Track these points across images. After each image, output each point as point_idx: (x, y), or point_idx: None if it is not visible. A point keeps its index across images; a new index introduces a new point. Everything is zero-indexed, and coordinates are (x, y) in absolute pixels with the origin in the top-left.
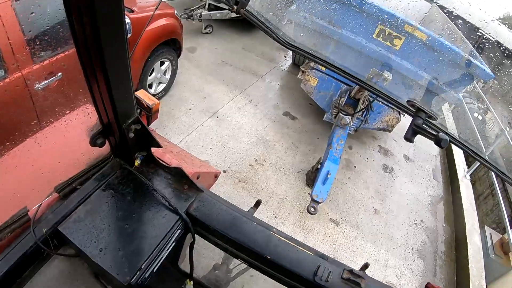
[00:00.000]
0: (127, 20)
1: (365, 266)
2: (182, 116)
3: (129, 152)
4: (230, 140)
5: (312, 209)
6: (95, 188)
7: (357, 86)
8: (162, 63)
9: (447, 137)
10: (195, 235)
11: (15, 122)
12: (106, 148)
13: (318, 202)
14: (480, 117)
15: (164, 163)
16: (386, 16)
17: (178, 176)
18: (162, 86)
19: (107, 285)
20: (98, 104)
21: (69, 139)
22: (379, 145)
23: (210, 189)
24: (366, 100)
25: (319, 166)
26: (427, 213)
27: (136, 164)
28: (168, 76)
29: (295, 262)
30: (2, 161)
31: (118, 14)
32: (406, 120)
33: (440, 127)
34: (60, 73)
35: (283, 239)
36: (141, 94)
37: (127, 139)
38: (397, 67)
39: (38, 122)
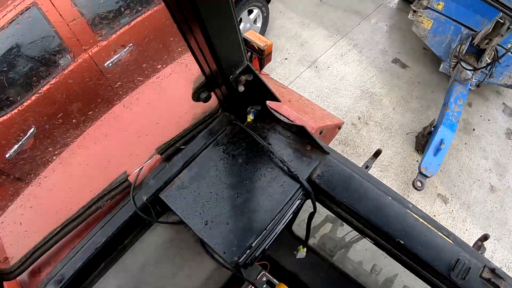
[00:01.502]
0: None
1: (484, 237)
2: (278, 68)
3: (240, 106)
4: (331, 94)
5: (418, 183)
6: (201, 148)
7: (482, 31)
8: (250, 12)
9: None
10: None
11: (94, 95)
12: (213, 101)
13: (426, 176)
14: None
15: (282, 117)
16: None
17: (300, 134)
18: None
19: (213, 254)
20: (197, 54)
21: (167, 96)
22: (504, 103)
23: (331, 142)
24: (493, 51)
25: (432, 129)
26: None
27: (249, 120)
28: (259, 24)
29: (431, 251)
30: (90, 132)
31: None
32: None
33: None
34: (130, 44)
35: (420, 220)
36: (251, 35)
37: (237, 93)
38: None
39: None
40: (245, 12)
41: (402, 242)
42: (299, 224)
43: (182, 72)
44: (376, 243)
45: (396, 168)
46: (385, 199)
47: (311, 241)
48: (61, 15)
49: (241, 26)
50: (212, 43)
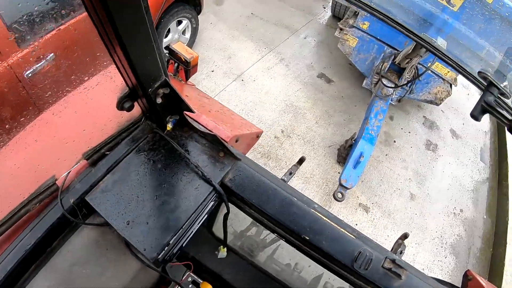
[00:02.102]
0: None
1: (404, 236)
2: (204, 80)
3: (160, 116)
4: (256, 107)
5: (339, 195)
6: (125, 154)
7: (403, 51)
8: (179, 22)
9: None
10: (231, 205)
11: (19, 103)
12: (137, 110)
13: (346, 188)
14: None
15: (200, 126)
16: None
17: (214, 142)
18: None
19: (137, 254)
20: (119, 68)
21: (93, 105)
22: (424, 116)
23: (250, 150)
24: (414, 69)
25: (353, 142)
26: (468, 201)
27: (168, 128)
28: (188, 35)
29: (335, 245)
30: (20, 137)
31: None
32: (458, 94)
33: None
34: (52, 54)
35: (324, 218)
36: (178, 47)
37: (155, 104)
38: (455, 33)
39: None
40: (174, 23)
41: (307, 238)
42: (221, 226)
43: (107, 84)
44: (287, 240)
45: (318, 179)
46: (291, 200)
47: (236, 243)
48: None
49: (169, 36)
50: (131, 60)
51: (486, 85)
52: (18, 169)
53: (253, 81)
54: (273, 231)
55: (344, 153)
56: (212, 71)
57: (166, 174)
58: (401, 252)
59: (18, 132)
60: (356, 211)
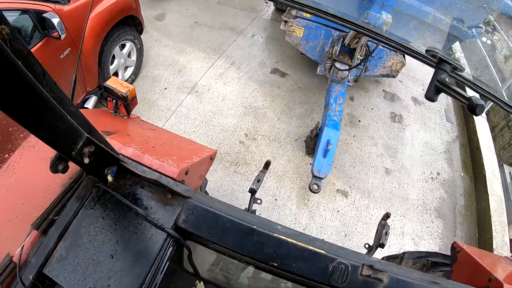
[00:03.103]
0: (55, 20)
1: (387, 216)
2: (158, 99)
3: (97, 171)
4: (215, 116)
5: (315, 186)
6: (73, 215)
7: (351, 32)
8: (123, 46)
9: (482, 102)
10: (193, 243)
11: None
12: (76, 166)
13: (320, 178)
14: (489, 42)
15: (143, 167)
16: None
17: (158, 184)
18: (130, 70)
19: None
20: (36, 136)
21: (24, 177)
22: (384, 90)
23: (207, 172)
24: (364, 47)
25: (318, 131)
26: (443, 163)
27: (110, 180)
28: (134, 57)
29: (306, 265)
30: None
31: None
32: (412, 62)
33: (469, 80)
34: None
35: (290, 240)
36: (112, 83)
37: (85, 165)
38: (398, 5)
39: None
40: (117, 48)
41: (276, 264)
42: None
43: (31, 154)
44: (257, 268)
45: (291, 175)
46: (250, 228)
47: (213, 271)
48: None
49: (115, 63)
50: (40, 134)
51: (437, 62)
52: None
53: (207, 90)
54: (240, 261)
55: (312, 144)
56: (165, 89)
57: (118, 230)
58: (386, 233)
59: None
60: (335, 198)
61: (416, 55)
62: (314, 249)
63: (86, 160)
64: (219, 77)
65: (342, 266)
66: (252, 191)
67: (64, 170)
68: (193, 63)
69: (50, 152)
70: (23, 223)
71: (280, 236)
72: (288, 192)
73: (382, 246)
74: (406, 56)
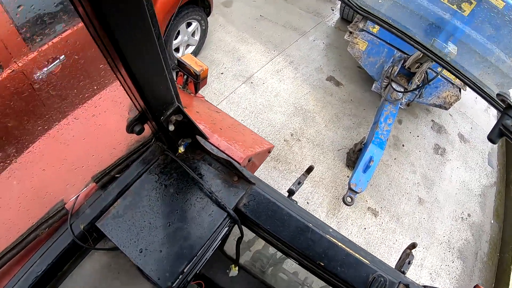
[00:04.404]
0: None
1: (413, 246)
2: (213, 82)
3: (171, 139)
4: (265, 110)
5: (348, 199)
6: (135, 177)
7: (414, 56)
8: (189, 24)
9: None
10: (244, 228)
11: (24, 119)
12: (147, 129)
13: (356, 192)
14: None
15: (212, 147)
16: None
17: (228, 166)
18: (191, 49)
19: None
20: (127, 92)
21: (101, 131)
22: (432, 120)
23: (262, 163)
24: (423, 74)
25: (362, 146)
26: (476, 205)
27: (180, 151)
28: (197, 37)
29: (349, 271)
30: (27, 163)
31: None
32: (466, 98)
33: None
34: (62, 56)
35: (339, 244)
36: (187, 59)
37: (168, 131)
38: (466, 38)
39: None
40: (184, 25)
41: (323, 264)
42: (232, 244)
43: (116, 108)
44: (300, 264)
45: (327, 183)
46: (306, 226)
47: (244, 258)
48: None
49: (179, 38)
50: (140, 87)
51: (505, 107)
52: (25, 196)
53: (262, 83)
54: (287, 255)
55: (353, 157)
56: (222, 74)
57: (179, 200)
58: (409, 263)
59: (26, 147)
60: (365, 215)
61: (484, 94)
62: (360, 258)
63: (171, 128)
64: (275, 73)
65: (382, 279)
66: (291, 192)
67: (140, 132)
68: (252, 54)
69: (129, 112)
70: (85, 174)
71: (331, 238)
72: (321, 198)
73: (402, 273)
74: (461, 91)
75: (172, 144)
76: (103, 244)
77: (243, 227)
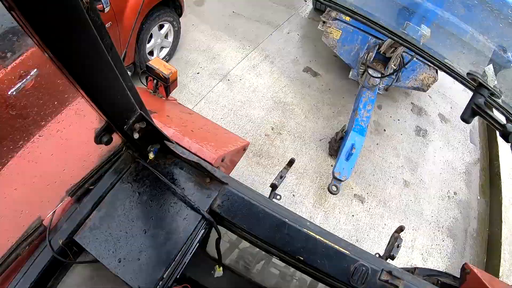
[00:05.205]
0: None
1: (400, 229)
2: (190, 83)
3: (140, 147)
4: (243, 106)
5: (334, 188)
6: (109, 187)
7: (388, 40)
8: (161, 27)
9: None
10: (222, 228)
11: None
12: (117, 138)
13: (340, 181)
14: None
15: (183, 149)
16: None
17: (199, 167)
18: (165, 51)
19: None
20: (90, 104)
21: (69, 144)
22: (412, 103)
23: (238, 161)
24: (399, 58)
25: (343, 134)
26: (461, 183)
27: (150, 158)
28: (170, 39)
29: (330, 263)
30: None
31: None
32: (444, 78)
33: (504, 108)
34: (35, 69)
35: (318, 237)
36: (155, 63)
37: (133, 139)
38: (439, 20)
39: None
40: (156, 28)
41: (302, 258)
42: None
43: (81, 122)
44: (282, 259)
45: (311, 174)
46: (282, 221)
47: (231, 258)
48: None
49: (152, 42)
50: (95, 97)
51: (476, 86)
52: (0, 217)
53: (239, 80)
54: (267, 252)
55: (336, 146)
56: (198, 73)
57: (153, 206)
58: (398, 246)
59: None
60: (352, 202)
61: (455, 75)
62: (339, 249)
63: (136, 136)
64: (252, 69)
65: (363, 268)
66: (274, 186)
67: (108, 143)
68: (227, 51)
69: (96, 123)
70: (59, 189)
71: (309, 232)
72: (307, 190)
73: (392, 258)
74: (438, 72)
75: (142, 151)
76: (84, 257)
77: (221, 227)
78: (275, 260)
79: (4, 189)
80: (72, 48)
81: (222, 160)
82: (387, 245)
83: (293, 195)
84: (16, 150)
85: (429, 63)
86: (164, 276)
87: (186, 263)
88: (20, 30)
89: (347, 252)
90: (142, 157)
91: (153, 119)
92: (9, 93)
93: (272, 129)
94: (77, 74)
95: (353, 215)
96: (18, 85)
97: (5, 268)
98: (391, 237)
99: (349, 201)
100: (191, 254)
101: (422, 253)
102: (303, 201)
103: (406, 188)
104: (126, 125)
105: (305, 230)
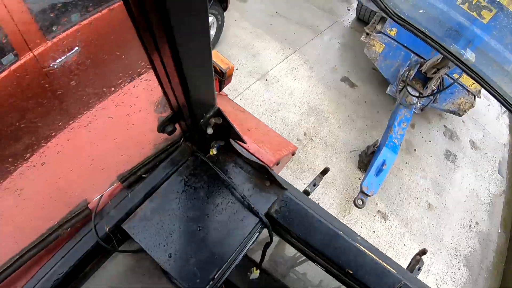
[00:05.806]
0: None
1: (423, 252)
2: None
3: (204, 141)
4: (279, 108)
5: (360, 202)
6: (163, 178)
7: (431, 61)
8: None
9: None
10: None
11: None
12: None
13: (367, 195)
14: None
15: (243, 149)
16: None
17: (262, 170)
18: None
19: (174, 280)
20: (167, 90)
21: (135, 130)
22: (444, 126)
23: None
24: (439, 79)
25: (375, 149)
26: (484, 214)
27: (212, 153)
28: (213, 32)
29: (377, 279)
30: (52, 160)
31: None
32: (479, 105)
33: None
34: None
35: (368, 252)
36: (214, 56)
37: (205, 134)
38: (484, 46)
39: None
40: None
41: (351, 272)
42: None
43: (150, 102)
44: (327, 270)
45: (338, 185)
46: (336, 233)
47: (267, 262)
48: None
49: None
50: (188, 91)
51: None
52: (50, 196)
53: (277, 81)
54: (314, 261)
55: (366, 160)
56: (237, 69)
57: (210, 204)
58: (419, 269)
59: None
60: (375, 218)
61: (499, 97)
62: (386, 266)
63: (210, 131)
64: (290, 72)
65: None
66: (306, 193)
67: (171, 133)
68: (267, 51)
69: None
70: (112, 173)
71: (360, 246)
72: (332, 200)
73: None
74: (476, 98)
75: (203, 145)
76: (127, 246)
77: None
78: (298, 268)
79: (61, 168)
80: (190, 38)
81: (277, 164)
82: (408, 266)
83: (318, 204)
84: (78, 125)
85: (483, 87)
86: (215, 277)
87: (236, 265)
88: (69, 4)
89: (394, 271)
90: (202, 151)
91: None
92: (51, 65)
93: (305, 134)
94: (182, 57)
95: (374, 231)
96: (60, 59)
97: (44, 246)
98: (412, 259)
99: (372, 216)
100: (243, 256)
101: (436, 279)
102: (327, 211)
103: (430, 211)
104: (203, 119)
105: (356, 244)
